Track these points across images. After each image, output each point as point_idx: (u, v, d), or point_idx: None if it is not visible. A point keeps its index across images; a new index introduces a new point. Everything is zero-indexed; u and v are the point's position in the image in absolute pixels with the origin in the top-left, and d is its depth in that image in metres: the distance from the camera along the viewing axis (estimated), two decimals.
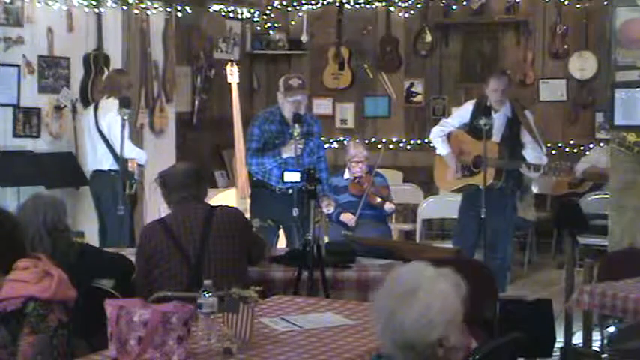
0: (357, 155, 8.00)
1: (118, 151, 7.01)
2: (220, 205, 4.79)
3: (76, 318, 3.56)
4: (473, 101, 7.60)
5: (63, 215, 4.48)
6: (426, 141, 7.83)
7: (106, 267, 4.67)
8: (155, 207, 7.94)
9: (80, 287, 3.69)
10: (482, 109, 7.06)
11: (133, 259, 4.75)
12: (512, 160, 7.20)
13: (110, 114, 7.40)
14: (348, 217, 7.85)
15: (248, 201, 7.36)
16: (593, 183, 9.19)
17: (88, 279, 4.41)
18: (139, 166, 7.68)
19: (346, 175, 8.09)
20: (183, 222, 4.57)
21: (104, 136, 7.53)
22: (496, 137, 7.19)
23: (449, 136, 7.51)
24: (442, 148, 7.51)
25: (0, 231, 3.51)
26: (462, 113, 7.58)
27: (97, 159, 7.62)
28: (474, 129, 7.31)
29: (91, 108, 7.76)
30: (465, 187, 7.46)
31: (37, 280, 3.41)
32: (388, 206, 8.00)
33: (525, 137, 7.31)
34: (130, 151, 7.49)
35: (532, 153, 7.27)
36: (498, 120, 7.24)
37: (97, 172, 7.65)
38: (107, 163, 7.55)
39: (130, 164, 7.45)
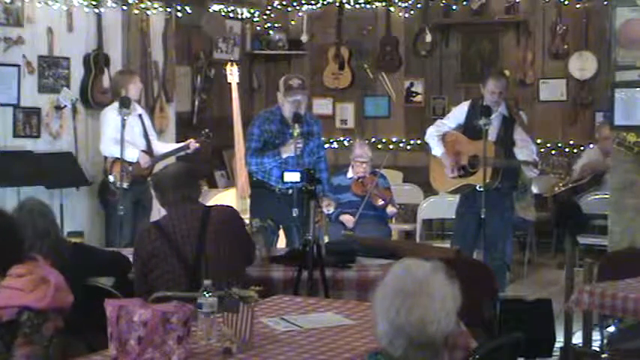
0: (362, 155, 8.00)
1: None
2: (215, 205, 4.79)
3: (75, 317, 3.55)
4: (468, 102, 7.57)
5: (51, 218, 4.46)
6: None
7: (100, 265, 4.66)
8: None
9: (76, 286, 3.68)
10: (481, 109, 7.04)
11: (131, 257, 4.75)
12: (508, 159, 7.19)
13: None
14: (347, 219, 7.85)
15: (248, 201, 7.35)
16: (591, 178, 9.15)
17: (83, 278, 4.40)
18: None
19: (349, 174, 8.09)
20: (179, 224, 4.54)
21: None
22: (492, 137, 7.17)
23: (444, 137, 7.50)
24: (437, 148, 7.47)
25: None
26: (457, 114, 7.54)
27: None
28: (469, 129, 7.30)
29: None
30: (461, 188, 7.44)
31: (31, 288, 3.37)
32: (390, 209, 8.01)
33: (517, 135, 7.30)
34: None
35: (524, 151, 7.26)
36: (495, 120, 7.23)
37: None
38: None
39: None
